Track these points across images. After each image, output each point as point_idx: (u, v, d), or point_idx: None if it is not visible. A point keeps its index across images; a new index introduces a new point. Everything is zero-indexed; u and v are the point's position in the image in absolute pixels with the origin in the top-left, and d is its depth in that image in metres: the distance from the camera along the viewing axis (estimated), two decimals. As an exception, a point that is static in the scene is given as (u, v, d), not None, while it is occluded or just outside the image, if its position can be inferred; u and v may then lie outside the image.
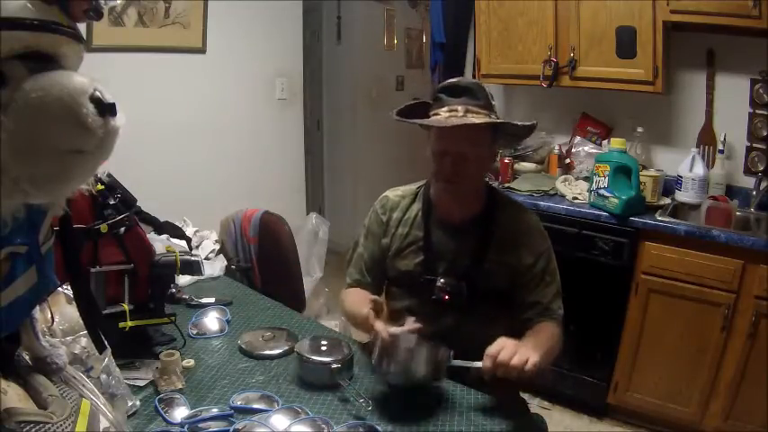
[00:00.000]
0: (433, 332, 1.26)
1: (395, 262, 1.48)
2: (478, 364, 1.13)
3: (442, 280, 1.38)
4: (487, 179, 2.73)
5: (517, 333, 1.32)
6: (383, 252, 1.50)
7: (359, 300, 1.38)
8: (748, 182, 2.40)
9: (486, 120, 1.30)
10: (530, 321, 1.38)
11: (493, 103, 1.35)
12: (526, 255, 1.40)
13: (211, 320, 1.50)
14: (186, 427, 1.04)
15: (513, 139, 1.50)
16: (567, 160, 2.78)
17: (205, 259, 1.89)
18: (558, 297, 1.42)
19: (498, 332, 1.28)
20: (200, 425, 1.04)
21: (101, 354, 0.98)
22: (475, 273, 1.38)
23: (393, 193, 1.54)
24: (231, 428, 1.03)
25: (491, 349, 1.13)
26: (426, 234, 1.44)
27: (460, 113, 1.29)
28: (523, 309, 1.41)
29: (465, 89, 1.33)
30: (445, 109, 1.31)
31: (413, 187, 1.54)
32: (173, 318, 1.34)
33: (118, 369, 1.05)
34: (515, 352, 1.11)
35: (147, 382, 1.19)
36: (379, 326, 1.16)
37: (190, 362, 1.27)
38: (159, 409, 1.09)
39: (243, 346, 1.36)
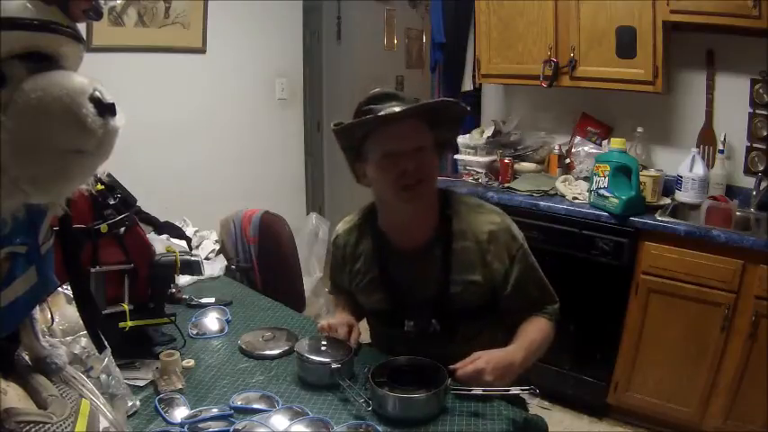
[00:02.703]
0: (422, 355, 1.22)
1: (361, 298, 1.43)
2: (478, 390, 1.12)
3: (410, 323, 1.31)
4: (487, 179, 2.76)
5: (504, 336, 1.32)
6: (349, 285, 1.45)
7: (337, 322, 1.34)
8: (748, 182, 2.40)
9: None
10: (519, 319, 1.35)
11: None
12: (497, 263, 1.30)
13: (211, 320, 1.50)
14: (186, 427, 1.04)
15: (449, 132, 1.38)
16: (567, 160, 2.78)
17: (205, 259, 1.89)
18: (543, 289, 1.36)
19: (484, 342, 1.28)
20: (200, 425, 1.04)
21: (101, 354, 0.98)
22: (443, 300, 1.29)
23: (341, 227, 1.47)
24: (231, 428, 1.03)
25: (465, 370, 1.13)
26: (383, 270, 1.35)
27: (397, 110, 1.22)
28: (511, 313, 1.35)
29: (391, 95, 1.29)
30: (381, 113, 1.24)
31: (355, 218, 1.45)
32: (173, 318, 1.34)
33: (118, 369, 1.05)
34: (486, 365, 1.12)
35: (147, 382, 1.19)
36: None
37: (190, 362, 1.27)
38: (159, 409, 1.09)
39: (243, 346, 1.36)
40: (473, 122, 3.10)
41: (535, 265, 1.36)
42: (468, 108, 1.32)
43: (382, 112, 1.23)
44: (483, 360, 1.14)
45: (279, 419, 1.06)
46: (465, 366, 1.14)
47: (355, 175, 1.36)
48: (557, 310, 1.37)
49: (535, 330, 1.31)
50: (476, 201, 1.40)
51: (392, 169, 1.23)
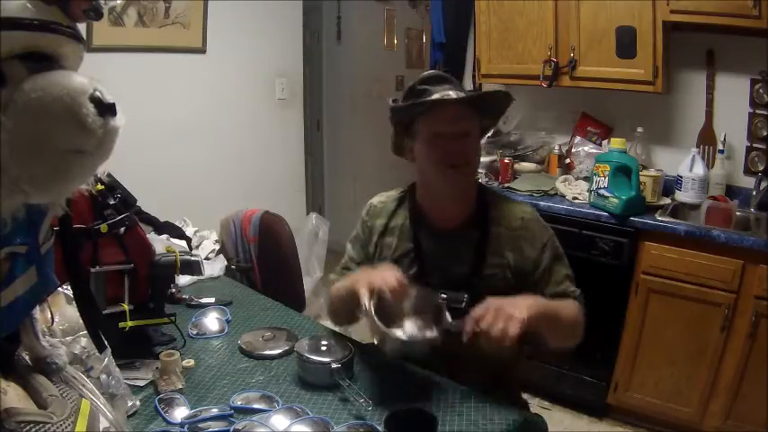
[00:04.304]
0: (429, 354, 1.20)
1: None
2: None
3: (443, 295, 1.27)
4: (487, 179, 2.76)
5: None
6: (368, 260, 1.46)
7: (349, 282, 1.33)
8: (748, 182, 2.40)
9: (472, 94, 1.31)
10: None
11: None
12: (528, 248, 1.34)
13: (211, 320, 1.50)
14: (186, 427, 1.04)
15: (492, 120, 1.45)
16: (567, 160, 2.78)
17: (205, 259, 1.88)
18: (569, 280, 1.38)
19: None
20: (200, 425, 1.04)
21: (101, 354, 0.98)
22: (475, 280, 1.32)
23: (377, 200, 1.50)
24: (231, 428, 1.03)
25: (476, 311, 1.11)
26: (417, 244, 1.38)
27: (453, 96, 1.28)
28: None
29: (445, 78, 1.34)
30: (437, 95, 1.29)
31: (394, 194, 1.49)
32: (173, 318, 1.33)
33: (118, 369, 1.05)
34: (496, 316, 1.07)
35: (147, 382, 1.19)
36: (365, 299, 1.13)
37: (190, 362, 1.27)
38: (159, 409, 1.09)
39: (243, 346, 1.36)
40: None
41: (563, 256, 1.40)
42: (515, 99, 1.38)
43: (437, 95, 1.28)
44: (496, 308, 1.11)
45: (279, 419, 1.06)
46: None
47: (399, 150, 1.42)
48: (581, 297, 1.38)
49: (560, 304, 1.29)
50: (508, 194, 1.46)
51: (440, 149, 1.29)
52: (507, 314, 1.08)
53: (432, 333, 1.18)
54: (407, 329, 1.23)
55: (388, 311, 1.17)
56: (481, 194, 1.41)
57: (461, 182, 1.35)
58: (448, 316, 1.17)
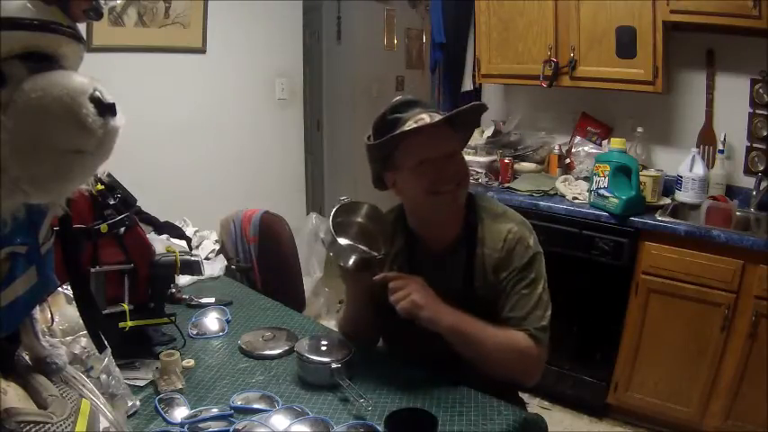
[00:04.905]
0: (434, 353, 1.24)
1: (384, 296, 1.39)
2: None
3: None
4: (487, 179, 2.76)
5: None
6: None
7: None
8: (748, 182, 2.40)
9: (448, 114, 1.28)
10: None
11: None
12: (504, 270, 1.31)
13: (211, 320, 1.50)
14: (186, 427, 1.04)
15: (468, 132, 1.42)
16: (567, 160, 2.78)
17: (205, 259, 1.88)
18: (537, 310, 1.29)
19: None
20: (200, 425, 1.04)
21: (101, 354, 0.98)
22: (466, 299, 1.30)
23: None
24: (231, 428, 1.03)
25: (397, 282, 1.23)
26: (413, 270, 1.35)
27: (427, 120, 1.24)
28: (501, 316, 1.32)
29: (414, 102, 1.30)
30: (411, 122, 1.25)
31: (389, 216, 1.45)
32: (173, 318, 1.33)
33: (118, 369, 1.05)
34: (404, 291, 1.20)
35: (147, 382, 1.19)
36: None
37: (190, 362, 1.27)
38: (159, 409, 1.09)
39: (243, 346, 1.36)
40: (473, 122, 3.10)
41: (538, 281, 1.32)
42: (487, 107, 1.38)
43: (411, 121, 1.25)
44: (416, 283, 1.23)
45: (279, 419, 1.06)
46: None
47: (381, 185, 1.40)
48: (545, 328, 1.30)
49: (489, 330, 1.25)
50: (499, 207, 1.41)
51: (429, 175, 1.26)
52: (410, 294, 1.20)
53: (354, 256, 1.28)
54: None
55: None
56: (469, 210, 1.37)
57: (452, 205, 1.32)
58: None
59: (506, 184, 2.70)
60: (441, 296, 1.29)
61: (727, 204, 2.26)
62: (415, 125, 1.23)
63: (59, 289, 1.04)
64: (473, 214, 1.36)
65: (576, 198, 2.47)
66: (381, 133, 1.29)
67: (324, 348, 1.24)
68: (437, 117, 1.25)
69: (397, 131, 1.25)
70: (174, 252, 1.33)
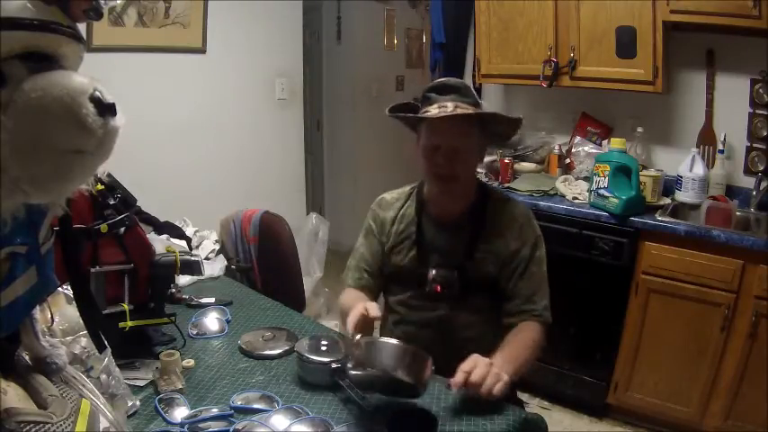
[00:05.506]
0: (428, 322, 1.37)
1: (390, 258, 1.52)
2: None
3: (434, 271, 1.41)
4: (486, 179, 2.76)
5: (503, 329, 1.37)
6: (381, 249, 1.53)
7: (354, 297, 1.43)
8: (748, 182, 2.40)
9: (474, 110, 1.33)
10: (512, 317, 1.40)
11: (480, 101, 1.38)
12: (512, 241, 1.41)
13: (211, 320, 1.50)
14: (186, 427, 1.04)
15: (500, 138, 1.51)
16: (567, 160, 2.78)
17: (205, 259, 1.88)
18: (541, 293, 1.42)
19: (490, 322, 1.41)
20: (200, 425, 1.04)
21: (101, 354, 0.98)
22: (467, 263, 1.40)
23: (389, 195, 1.59)
24: (231, 428, 1.03)
25: (464, 365, 1.11)
26: (419, 229, 1.47)
27: (450, 109, 1.31)
28: (506, 300, 1.42)
29: (453, 88, 1.36)
30: (435, 106, 1.34)
31: (406, 189, 1.58)
32: (173, 318, 1.33)
33: (118, 369, 1.05)
34: (487, 373, 1.10)
35: (147, 382, 1.19)
36: (353, 324, 1.16)
37: (190, 362, 1.27)
38: (159, 409, 1.09)
39: (243, 346, 1.36)
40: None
41: (542, 263, 1.44)
42: (521, 119, 1.41)
43: (434, 106, 1.34)
44: (485, 364, 1.13)
45: (279, 419, 1.06)
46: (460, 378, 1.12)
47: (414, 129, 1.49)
48: (547, 306, 1.42)
49: (525, 345, 1.32)
50: (505, 195, 1.54)
51: (428, 159, 1.38)
52: (496, 374, 1.11)
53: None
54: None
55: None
56: (482, 191, 1.48)
57: (446, 190, 1.42)
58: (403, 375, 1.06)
59: (506, 184, 2.70)
60: (438, 257, 1.42)
61: (727, 204, 2.26)
62: (433, 113, 1.33)
63: (59, 289, 1.04)
64: (486, 193, 1.48)
65: (576, 198, 2.47)
66: (413, 106, 1.42)
67: (324, 348, 1.24)
68: (463, 110, 1.32)
69: (407, 115, 1.39)
70: (174, 252, 1.33)
